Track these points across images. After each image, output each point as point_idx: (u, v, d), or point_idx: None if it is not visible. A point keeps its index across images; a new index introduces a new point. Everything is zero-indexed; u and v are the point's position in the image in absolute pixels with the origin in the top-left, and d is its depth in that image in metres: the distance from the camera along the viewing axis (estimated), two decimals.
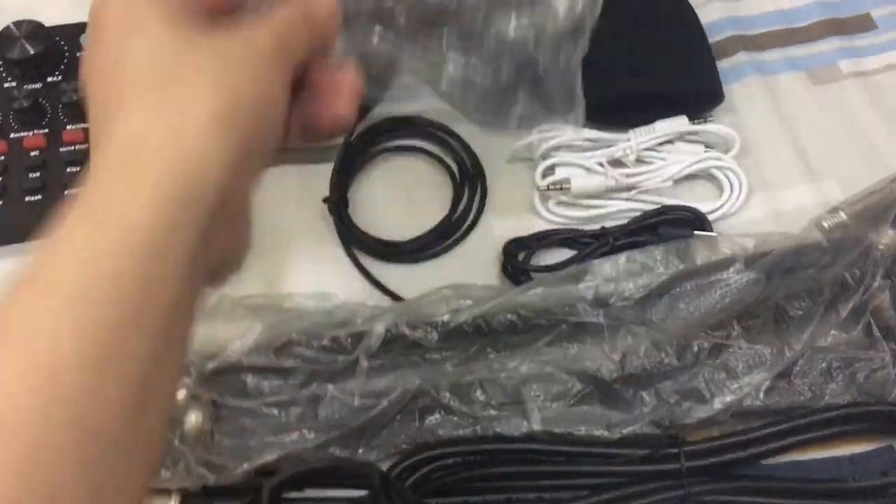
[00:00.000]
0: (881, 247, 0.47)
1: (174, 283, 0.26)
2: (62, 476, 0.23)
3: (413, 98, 0.59)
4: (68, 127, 0.54)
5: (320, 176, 0.55)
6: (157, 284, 0.25)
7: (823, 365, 0.45)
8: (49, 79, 0.55)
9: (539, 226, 0.53)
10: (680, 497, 0.43)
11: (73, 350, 0.24)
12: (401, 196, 0.55)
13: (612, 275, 0.47)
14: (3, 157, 0.53)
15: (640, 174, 0.54)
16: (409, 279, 0.52)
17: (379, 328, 0.45)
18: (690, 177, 0.54)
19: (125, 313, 0.25)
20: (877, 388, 0.45)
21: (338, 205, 0.53)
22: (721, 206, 0.53)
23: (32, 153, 0.53)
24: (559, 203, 0.54)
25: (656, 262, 0.47)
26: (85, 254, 0.25)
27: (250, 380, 0.45)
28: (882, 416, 0.45)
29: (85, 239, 0.25)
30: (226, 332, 0.45)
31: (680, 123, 0.54)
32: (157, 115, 0.27)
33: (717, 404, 0.44)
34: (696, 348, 0.45)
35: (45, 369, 0.23)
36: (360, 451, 0.45)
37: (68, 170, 0.52)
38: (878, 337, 0.46)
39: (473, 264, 0.53)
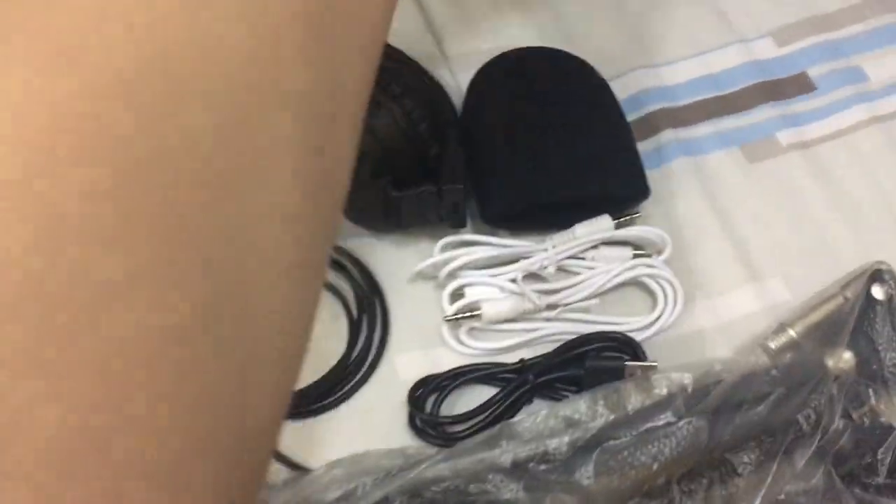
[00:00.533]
0: (837, 376, 0.41)
1: None
2: None
3: None
4: None
5: None
6: None
7: None
8: None
9: (450, 360, 0.46)
10: None
11: None
12: None
13: (532, 435, 0.40)
14: None
15: (560, 290, 0.47)
16: (304, 437, 0.44)
17: None
18: (620, 285, 0.48)
19: None
20: None
21: None
22: (655, 321, 0.46)
23: None
24: (471, 331, 0.47)
25: (582, 415, 0.41)
26: None
27: None
28: None
29: None
30: None
31: (602, 226, 0.47)
32: None
33: None
34: None
35: None
36: None
37: None
38: (840, 487, 0.39)
39: (377, 414, 0.45)
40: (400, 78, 0.46)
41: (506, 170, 0.47)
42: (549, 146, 0.48)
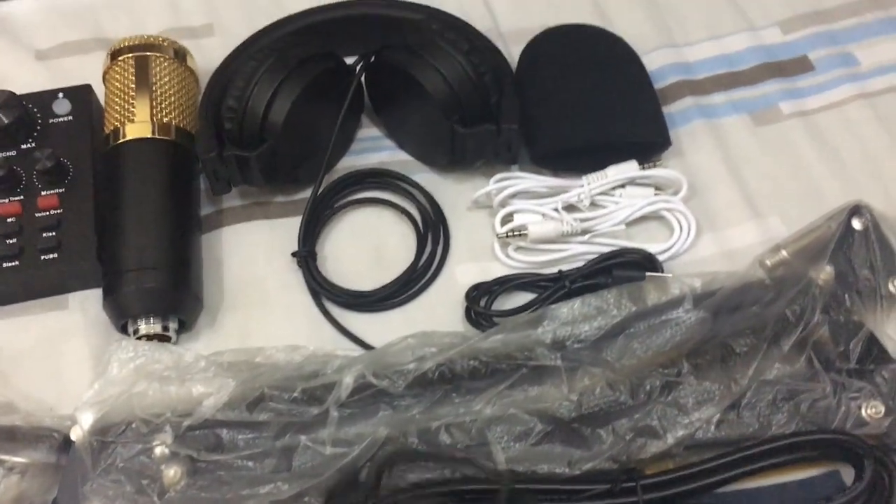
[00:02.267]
0: (820, 283, 0.50)
1: None
2: None
3: (375, 149, 0.61)
4: (43, 193, 0.56)
5: (289, 230, 0.57)
6: None
7: (769, 397, 0.48)
8: (23, 146, 0.57)
9: (499, 271, 0.56)
10: None
11: None
12: (367, 247, 0.57)
13: (569, 319, 0.49)
14: None
15: (593, 218, 0.56)
16: (376, 327, 0.54)
17: (347, 380, 0.47)
18: (642, 219, 0.57)
19: None
20: (819, 417, 0.48)
21: (306, 258, 0.55)
22: (671, 247, 0.56)
23: (9, 220, 0.55)
24: (518, 249, 0.56)
25: (610, 305, 0.50)
26: None
27: (225, 434, 0.47)
28: (825, 443, 0.47)
29: None
30: (201, 390, 0.47)
31: (630, 168, 0.57)
32: None
33: (670, 439, 0.46)
34: (648, 387, 0.48)
35: None
36: (335, 499, 0.47)
37: (44, 234, 0.54)
38: (818, 369, 0.48)
39: (438, 311, 0.55)
40: (467, 37, 0.56)
41: (551, 118, 0.57)
42: (587, 101, 0.58)
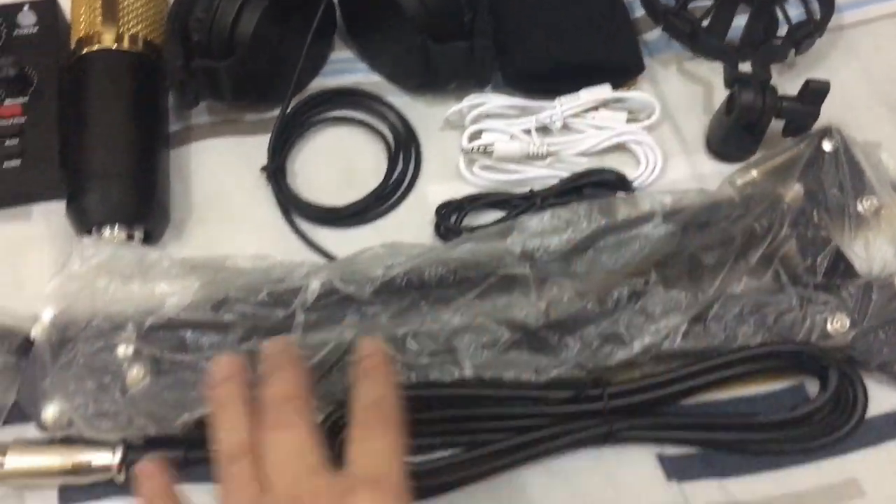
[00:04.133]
0: (788, 200, 0.50)
1: None
2: None
3: (348, 71, 0.61)
4: (6, 102, 0.54)
5: (258, 148, 0.56)
6: None
7: (736, 310, 0.48)
8: None
9: (469, 191, 0.55)
10: (604, 434, 0.46)
11: None
12: (337, 165, 0.57)
13: (538, 230, 0.49)
14: None
15: (560, 143, 0.56)
16: (346, 243, 0.53)
17: (314, 284, 0.47)
18: (609, 149, 0.57)
19: None
20: (785, 329, 0.48)
21: (275, 172, 0.55)
22: (635, 179, 0.55)
23: None
24: (483, 167, 0.56)
25: (580, 218, 0.50)
26: None
27: (189, 336, 0.46)
28: (790, 355, 0.48)
29: None
30: (164, 289, 0.46)
31: (603, 91, 0.57)
32: None
33: (637, 346, 0.46)
34: (616, 295, 0.48)
35: None
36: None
37: (6, 142, 0.53)
38: (785, 282, 0.49)
39: (408, 228, 0.55)
40: None
41: (525, 39, 0.57)
42: (561, 22, 0.57)
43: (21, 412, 0.47)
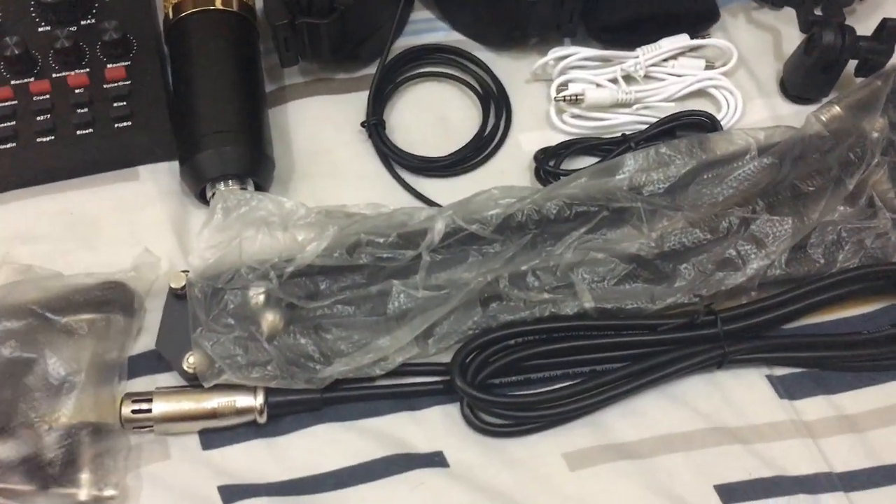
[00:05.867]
0: (875, 132, 0.53)
1: None
2: None
3: (429, 30, 0.62)
4: (109, 66, 0.56)
5: (353, 105, 0.58)
6: None
7: (833, 236, 0.51)
8: (83, 22, 0.57)
9: (562, 139, 0.57)
10: (719, 357, 0.48)
11: None
12: (432, 118, 0.59)
13: (644, 166, 0.51)
14: (49, 96, 0.54)
15: (645, 90, 0.58)
16: (448, 192, 0.55)
17: (439, 225, 0.49)
18: (690, 95, 0.59)
19: None
20: (880, 252, 0.51)
21: (376, 126, 0.57)
22: (721, 119, 0.58)
23: (77, 91, 0.54)
24: (573, 115, 0.58)
25: (681, 153, 0.52)
26: None
27: (322, 283, 0.48)
28: (887, 275, 0.50)
29: None
30: (302, 235, 0.48)
31: (682, 39, 0.59)
32: None
33: (749, 270, 0.49)
34: (726, 223, 0.50)
35: None
36: (430, 340, 0.48)
37: (115, 104, 0.54)
38: (879, 207, 0.51)
39: (506, 175, 0.57)
40: None
41: None
42: None
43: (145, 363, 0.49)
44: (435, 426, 0.48)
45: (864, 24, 0.57)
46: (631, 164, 0.51)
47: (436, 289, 0.48)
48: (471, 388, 0.47)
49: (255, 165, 0.53)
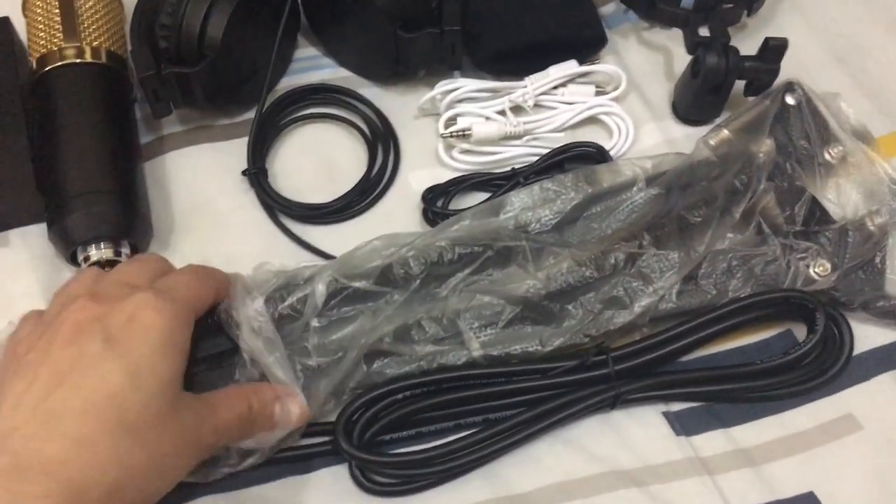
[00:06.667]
0: (761, 155, 0.52)
1: None
2: None
3: (314, 69, 0.61)
4: None
5: (234, 152, 0.56)
6: None
7: (724, 265, 0.50)
8: None
9: (451, 175, 0.56)
10: (612, 398, 0.47)
11: None
12: (318, 162, 0.57)
13: (528, 203, 0.50)
14: None
15: (535, 121, 0.57)
16: (335, 239, 0.54)
17: (320, 287, 0.47)
18: (581, 123, 0.58)
19: None
20: (771, 279, 0.50)
21: (257, 174, 0.55)
22: (610, 149, 0.57)
23: None
24: (462, 151, 0.57)
25: (567, 188, 0.51)
26: None
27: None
28: (778, 302, 0.49)
29: None
30: None
31: (570, 66, 0.58)
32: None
33: (637, 308, 0.48)
34: (612, 260, 0.49)
35: None
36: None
37: None
38: (767, 233, 0.51)
39: (396, 217, 0.55)
40: None
41: (491, 21, 0.58)
42: (525, 2, 0.58)
43: None
44: (327, 490, 0.47)
45: (755, 38, 0.57)
46: (516, 203, 0.50)
47: (331, 353, 0.47)
48: (356, 449, 0.45)
49: (129, 226, 0.51)
